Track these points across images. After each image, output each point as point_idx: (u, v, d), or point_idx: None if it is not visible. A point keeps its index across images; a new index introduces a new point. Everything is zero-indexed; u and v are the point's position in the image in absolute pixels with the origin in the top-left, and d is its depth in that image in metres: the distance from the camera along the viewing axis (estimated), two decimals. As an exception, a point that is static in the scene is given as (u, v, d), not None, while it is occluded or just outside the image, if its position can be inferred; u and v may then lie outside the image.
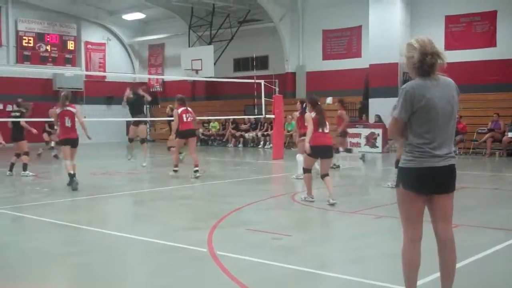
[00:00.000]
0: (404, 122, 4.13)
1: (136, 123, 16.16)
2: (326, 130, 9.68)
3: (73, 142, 11.93)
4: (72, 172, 11.76)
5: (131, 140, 16.71)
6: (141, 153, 16.26)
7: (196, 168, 13.52)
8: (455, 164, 4.18)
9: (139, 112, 16.24)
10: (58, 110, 11.90)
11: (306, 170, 9.76)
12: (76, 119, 11.91)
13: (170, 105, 18.79)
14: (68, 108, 11.88)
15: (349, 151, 17.58)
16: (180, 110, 13.60)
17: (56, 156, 19.98)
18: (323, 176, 9.74)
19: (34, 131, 14.97)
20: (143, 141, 16.18)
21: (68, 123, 11.80)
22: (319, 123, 9.58)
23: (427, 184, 4.11)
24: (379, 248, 6.70)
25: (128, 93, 16.17)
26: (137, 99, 16.14)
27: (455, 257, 4.25)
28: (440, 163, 4.08)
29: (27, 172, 14.29)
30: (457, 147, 20.75)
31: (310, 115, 9.69)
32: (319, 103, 9.91)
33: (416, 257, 4.20)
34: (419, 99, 4.03)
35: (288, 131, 24.15)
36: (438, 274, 5.22)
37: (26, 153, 14.35)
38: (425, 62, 4.03)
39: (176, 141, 13.92)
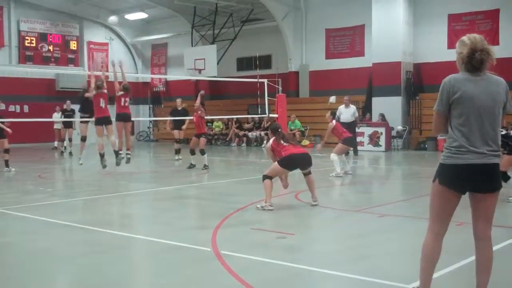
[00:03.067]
0: (445, 116, 4.17)
1: (85, 122, 17.34)
2: (294, 143, 9.53)
3: (106, 120, 13.67)
4: (102, 152, 13.71)
5: (84, 139, 17.45)
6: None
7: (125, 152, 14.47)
8: (498, 163, 4.13)
9: (87, 111, 16.82)
10: (94, 92, 13.66)
11: (267, 177, 9.16)
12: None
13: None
14: (103, 90, 13.65)
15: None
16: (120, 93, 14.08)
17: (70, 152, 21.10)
18: (309, 174, 9.51)
19: (10, 131, 15.38)
20: (83, 139, 17.38)
21: (102, 104, 13.56)
22: (283, 141, 9.33)
23: (465, 182, 4.10)
24: (383, 247, 6.70)
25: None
26: (86, 99, 16.67)
27: (492, 255, 4.25)
28: (479, 160, 4.05)
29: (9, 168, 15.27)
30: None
31: (269, 144, 9.48)
32: (279, 130, 9.55)
33: (436, 251, 4.21)
34: (455, 91, 4.07)
35: (291, 130, 24.16)
36: (448, 269, 5.25)
37: (7, 151, 15.23)
38: (474, 58, 4.05)
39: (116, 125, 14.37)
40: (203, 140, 15.60)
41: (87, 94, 15.14)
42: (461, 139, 4.08)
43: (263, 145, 25.79)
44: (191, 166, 15.59)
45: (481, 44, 4.07)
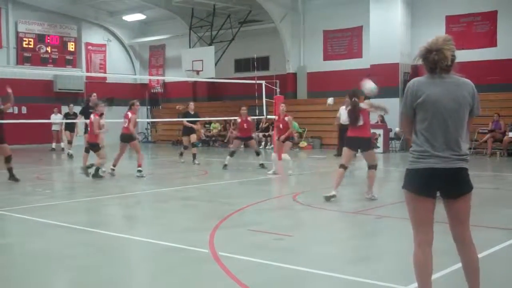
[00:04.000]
0: (411, 119, 4.13)
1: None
2: (360, 123, 10.04)
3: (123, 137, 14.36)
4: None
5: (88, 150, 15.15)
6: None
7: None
8: (464, 168, 4.04)
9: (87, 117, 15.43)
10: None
11: (342, 166, 10.04)
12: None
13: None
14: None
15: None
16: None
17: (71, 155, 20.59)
18: (368, 168, 10.20)
19: None
20: (87, 150, 15.10)
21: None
22: (350, 115, 10.21)
23: (428, 186, 4.02)
24: (380, 248, 6.71)
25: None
26: (88, 107, 15.99)
27: (476, 257, 4.18)
28: (442, 164, 3.97)
29: None
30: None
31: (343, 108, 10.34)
32: (354, 99, 10.31)
33: (426, 261, 4.06)
34: (419, 95, 4.01)
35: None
36: (446, 271, 5.26)
37: None
38: (428, 59, 4.01)
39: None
40: (253, 142, 16.67)
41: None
42: (424, 144, 4.02)
43: (260, 146, 25.84)
44: (263, 165, 16.04)
45: (441, 44, 3.99)
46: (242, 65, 30.23)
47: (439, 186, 4.04)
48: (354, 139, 9.94)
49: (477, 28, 21.97)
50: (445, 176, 4.00)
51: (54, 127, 24.47)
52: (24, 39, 29.73)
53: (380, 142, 21.83)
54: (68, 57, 31.35)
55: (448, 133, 4.00)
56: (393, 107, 22.77)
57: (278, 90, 21.02)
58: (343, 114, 19.22)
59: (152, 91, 34.56)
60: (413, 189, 4.07)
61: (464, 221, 4.17)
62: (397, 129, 22.58)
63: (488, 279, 5.35)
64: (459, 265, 5.52)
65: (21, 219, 8.82)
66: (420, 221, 4.09)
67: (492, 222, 8.08)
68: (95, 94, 15.90)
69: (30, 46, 29.91)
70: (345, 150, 10.10)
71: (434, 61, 3.99)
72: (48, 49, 30.55)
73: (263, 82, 20.20)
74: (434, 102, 3.99)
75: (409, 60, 23.35)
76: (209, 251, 6.37)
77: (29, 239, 7.47)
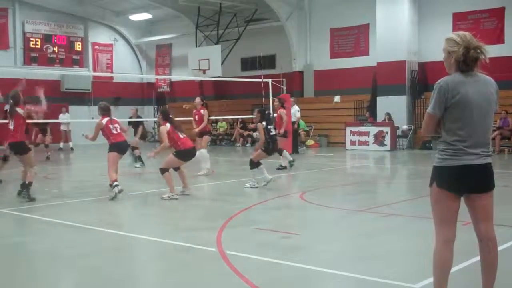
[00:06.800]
0: (438, 118, 4.12)
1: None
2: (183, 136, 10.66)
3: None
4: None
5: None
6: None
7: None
8: (491, 163, 4.13)
9: None
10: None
11: (165, 170, 10.55)
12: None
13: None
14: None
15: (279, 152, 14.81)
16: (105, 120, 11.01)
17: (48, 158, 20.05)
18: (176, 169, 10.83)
19: None
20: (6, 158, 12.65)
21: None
22: (178, 130, 10.65)
23: (462, 183, 4.06)
24: (388, 246, 6.68)
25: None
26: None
27: (497, 257, 4.20)
28: (475, 161, 4.02)
29: None
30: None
31: (165, 127, 10.54)
32: (170, 116, 10.80)
33: (449, 258, 4.13)
34: (453, 94, 4.01)
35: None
36: (455, 268, 5.23)
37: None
38: (469, 57, 4.01)
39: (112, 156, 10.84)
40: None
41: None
42: (458, 143, 4.04)
43: None
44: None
45: (474, 41, 4.06)
46: (248, 63, 30.20)
47: (470, 182, 4.07)
48: None
49: (484, 25, 21.86)
50: (477, 172, 4.06)
51: (62, 127, 24.50)
52: (31, 39, 29.82)
53: (387, 140, 21.77)
54: (75, 57, 31.43)
55: (480, 131, 4.06)
56: (400, 104, 22.94)
57: (284, 88, 21.00)
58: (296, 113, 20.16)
59: (158, 90, 34.61)
60: (445, 186, 4.10)
61: (490, 217, 4.21)
62: (405, 126, 22.55)
63: (497, 277, 5.32)
64: (463, 264, 5.51)
65: (28, 218, 8.85)
66: (446, 217, 4.14)
67: (501, 219, 8.02)
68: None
69: (37, 46, 30.00)
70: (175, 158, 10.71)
71: (476, 58, 4.03)
72: (55, 49, 30.64)
73: (270, 80, 20.20)
74: (469, 102, 4.01)
75: (416, 57, 23.30)
76: (217, 250, 6.36)
77: (37, 239, 7.48)
